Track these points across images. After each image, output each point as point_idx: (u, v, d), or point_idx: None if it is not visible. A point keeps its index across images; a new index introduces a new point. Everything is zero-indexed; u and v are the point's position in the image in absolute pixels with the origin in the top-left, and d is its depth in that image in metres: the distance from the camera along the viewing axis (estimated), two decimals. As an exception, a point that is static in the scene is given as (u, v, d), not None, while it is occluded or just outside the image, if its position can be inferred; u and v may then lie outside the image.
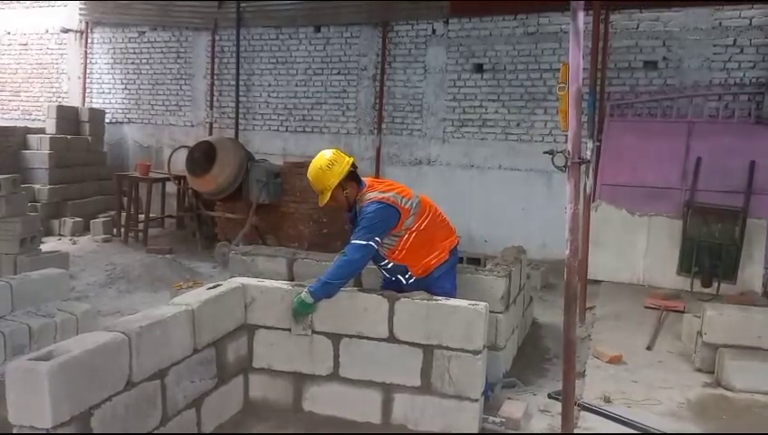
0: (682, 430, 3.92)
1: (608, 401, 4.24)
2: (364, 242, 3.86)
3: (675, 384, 4.62)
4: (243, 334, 4.02)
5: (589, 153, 6.17)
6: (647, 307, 6.57)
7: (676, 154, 7.91)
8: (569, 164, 3.23)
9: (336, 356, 3.94)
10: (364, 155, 10.18)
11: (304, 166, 9.42)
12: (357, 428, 3.87)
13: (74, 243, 9.66)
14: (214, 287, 3.87)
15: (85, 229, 10.26)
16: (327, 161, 4.05)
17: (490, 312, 4.46)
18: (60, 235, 10.16)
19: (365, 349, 3.88)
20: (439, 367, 3.77)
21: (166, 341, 3.29)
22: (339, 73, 10.46)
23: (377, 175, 10.04)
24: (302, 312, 3.91)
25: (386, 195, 4.01)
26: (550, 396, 4.13)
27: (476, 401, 3.75)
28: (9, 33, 13.32)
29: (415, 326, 3.80)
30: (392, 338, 3.84)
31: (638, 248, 7.76)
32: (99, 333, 3.00)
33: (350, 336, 3.91)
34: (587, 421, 3.92)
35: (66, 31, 12.75)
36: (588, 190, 6.22)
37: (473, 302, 3.79)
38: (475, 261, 8.11)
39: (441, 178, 9.72)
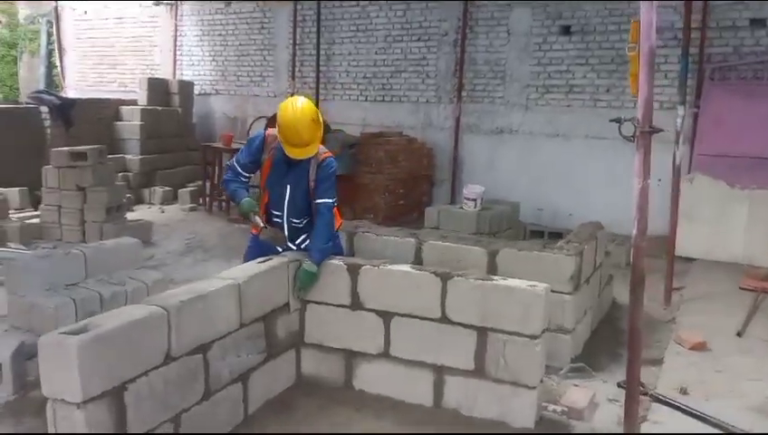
0: (768, 429, 3.53)
1: (684, 392, 3.87)
2: (333, 200, 3.98)
3: (765, 376, 4.17)
4: (295, 309, 3.94)
5: (679, 121, 5.62)
6: (742, 288, 6.01)
7: (784, 121, 7.16)
8: (637, 133, 2.89)
9: (387, 335, 3.79)
10: (443, 124, 9.90)
11: (381, 136, 9.33)
12: (407, 410, 3.72)
13: (163, 212, 10.00)
14: (264, 261, 3.80)
15: (174, 199, 10.61)
16: (315, 111, 3.91)
17: (558, 292, 4.23)
18: (150, 203, 10.55)
19: (416, 328, 3.71)
20: (494, 351, 3.55)
21: (208, 315, 3.24)
22: (419, 40, 10.16)
23: (456, 145, 9.76)
24: (309, 283, 3.85)
25: (327, 149, 4.06)
26: (620, 385, 3.82)
27: (534, 388, 3.51)
28: (106, 8, 13.84)
29: (469, 307, 3.59)
30: (445, 318, 3.65)
31: (736, 224, 7.11)
32: (137, 307, 2.99)
33: (402, 315, 3.75)
34: (657, 414, 3.59)
35: (158, 3, 13.11)
36: (678, 161, 5.71)
37: (531, 283, 3.53)
38: (557, 235, 7.71)
39: (523, 147, 9.30)
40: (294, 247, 4.09)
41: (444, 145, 9.93)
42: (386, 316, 3.79)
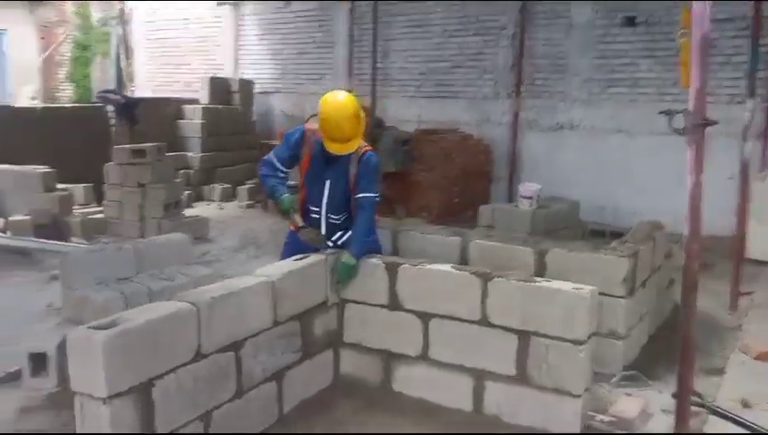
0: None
1: (746, 405, 3.60)
2: (375, 195, 3.90)
3: (840, 391, 3.83)
4: (333, 308, 3.87)
5: (747, 115, 5.26)
6: (818, 295, 5.59)
7: None
8: (689, 126, 2.67)
9: (425, 336, 3.68)
10: (501, 120, 9.67)
11: (436, 133, 9.18)
12: (447, 415, 3.59)
13: (221, 208, 10.17)
14: (301, 258, 3.75)
15: (233, 196, 10.77)
16: (357, 105, 3.81)
17: (610, 295, 4.02)
18: (210, 200, 10.75)
19: (456, 331, 3.58)
20: (536, 356, 3.39)
21: (241, 312, 3.21)
22: (476, 34, 9.95)
23: (514, 141, 9.51)
24: (348, 276, 3.76)
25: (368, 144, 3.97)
26: (674, 396, 3.57)
27: (578, 396, 3.32)
28: (173, 10, 14.19)
29: (510, 309, 3.44)
30: (485, 321, 3.51)
31: (816, 226, 6.63)
32: (167, 303, 2.98)
33: (441, 316, 3.62)
34: (715, 428, 3.34)
35: (221, 4, 13.34)
36: (746, 157, 5.35)
37: (577, 285, 3.34)
38: (620, 236, 7.35)
39: (584, 144, 8.98)
40: (331, 244, 4.02)
41: (501, 141, 9.69)
42: (425, 317, 3.67)
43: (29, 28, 15.08)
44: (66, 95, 15.83)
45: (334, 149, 3.78)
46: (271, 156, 4.03)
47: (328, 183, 3.95)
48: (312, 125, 3.93)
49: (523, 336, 3.41)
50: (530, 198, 7.37)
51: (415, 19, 10.59)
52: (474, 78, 10.05)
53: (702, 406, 3.52)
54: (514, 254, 4.32)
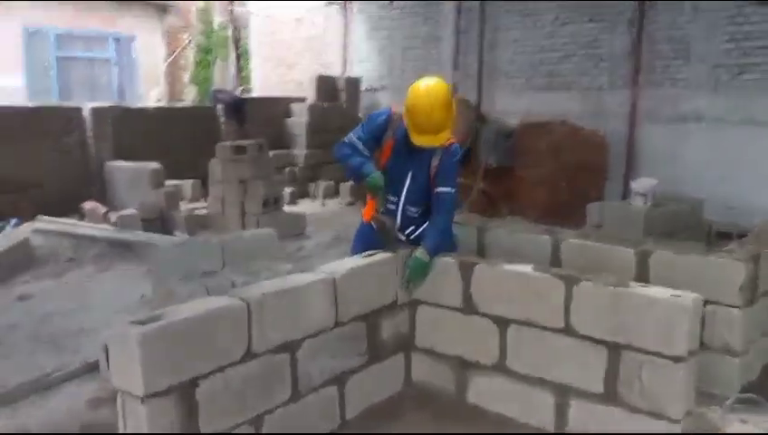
0: None
1: None
2: (455, 190, 3.61)
3: None
4: (403, 309, 3.61)
5: None
6: None
7: None
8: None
9: (502, 344, 3.32)
10: (617, 111, 8.96)
11: (542, 125, 8.65)
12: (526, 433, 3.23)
13: (324, 205, 10.20)
14: (369, 256, 3.51)
15: (336, 193, 10.77)
16: (449, 94, 3.48)
17: (725, 305, 3.48)
18: (314, 197, 10.81)
19: (536, 339, 3.20)
20: (628, 372, 2.95)
21: (298, 311, 3.02)
22: (590, 20, 9.29)
23: (631, 134, 8.78)
24: (420, 274, 3.47)
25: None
26: (802, 427, 3.01)
27: (678, 421, 2.85)
28: (286, 11, 14.49)
29: (598, 318, 3.02)
30: (569, 330, 3.10)
31: None
32: (216, 299, 2.84)
33: (520, 323, 3.26)
34: None
35: (330, 3, 13.45)
36: None
37: (677, 292, 2.86)
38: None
39: (710, 136, 8.12)
40: (403, 238, 3.75)
41: (616, 135, 8.98)
42: (502, 323, 3.32)
43: (156, 34, 15.97)
44: (189, 97, 16.65)
45: (421, 141, 3.47)
46: (351, 137, 3.67)
47: (410, 174, 3.68)
48: (399, 109, 3.65)
49: (613, 349, 2.98)
50: (644, 194, 6.71)
51: (524, 8, 10.07)
52: (588, 67, 9.41)
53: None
54: (612, 255, 3.84)
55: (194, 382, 2.60)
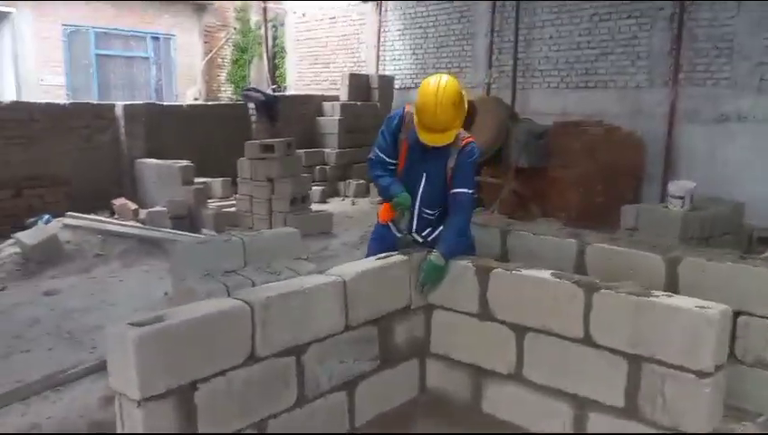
0: None
1: None
2: (473, 191, 3.50)
3: None
4: (418, 314, 3.49)
5: None
6: None
7: None
8: None
9: (519, 352, 3.18)
10: (655, 111, 8.69)
11: (576, 125, 8.41)
12: (541, 445, 3.09)
13: (353, 204, 10.13)
14: (382, 258, 3.41)
15: (366, 192, 10.69)
16: (459, 92, 3.35)
17: (759, 317, 3.29)
18: (345, 196, 10.76)
19: (554, 348, 3.06)
20: (650, 387, 2.78)
21: (305, 314, 2.93)
22: (629, 17, 9.02)
23: (670, 135, 8.49)
24: (435, 277, 3.36)
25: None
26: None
27: (702, 440, 2.67)
28: (321, 10, 14.50)
29: (619, 328, 2.85)
30: (588, 340, 2.95)
31: None
32: (218, 301, 2.78)
33: (537, 330, 3.11)
34: None
35: (365, 1, 13.38)
36: None
37: (703, 303, 2.69)
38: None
39: (754, 137, 7.81)
40: (420, 239, 3.64)
41: (655, 135, 8.69)
42: (518, 330, 3.18)
43: (194, 33, 16.13)
44: (226, 96, 16.79)
45: (426, 139, 3.39)
46: (376, 152, 3.66)
47: (425, 175, 3.58)
48: (412, 108, 3.56)
49: (634, 361, 2.82)
50: (681, 197, 6.43)
51: (561, 5, 9.84)
52: (626, 65, 9.14)
53: None
54: (639, 261, 3.65)
55: (193, 386, 2.53)
